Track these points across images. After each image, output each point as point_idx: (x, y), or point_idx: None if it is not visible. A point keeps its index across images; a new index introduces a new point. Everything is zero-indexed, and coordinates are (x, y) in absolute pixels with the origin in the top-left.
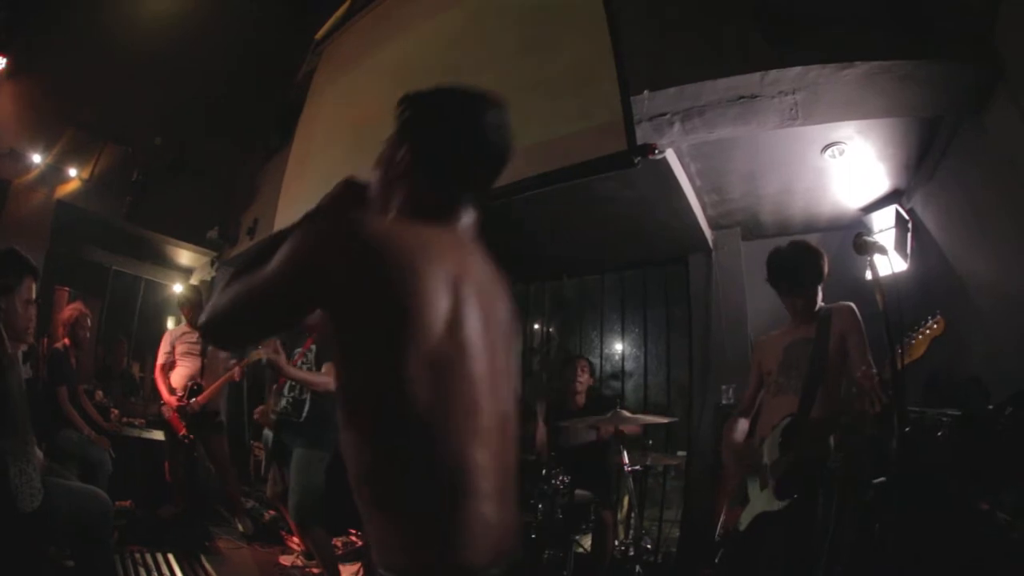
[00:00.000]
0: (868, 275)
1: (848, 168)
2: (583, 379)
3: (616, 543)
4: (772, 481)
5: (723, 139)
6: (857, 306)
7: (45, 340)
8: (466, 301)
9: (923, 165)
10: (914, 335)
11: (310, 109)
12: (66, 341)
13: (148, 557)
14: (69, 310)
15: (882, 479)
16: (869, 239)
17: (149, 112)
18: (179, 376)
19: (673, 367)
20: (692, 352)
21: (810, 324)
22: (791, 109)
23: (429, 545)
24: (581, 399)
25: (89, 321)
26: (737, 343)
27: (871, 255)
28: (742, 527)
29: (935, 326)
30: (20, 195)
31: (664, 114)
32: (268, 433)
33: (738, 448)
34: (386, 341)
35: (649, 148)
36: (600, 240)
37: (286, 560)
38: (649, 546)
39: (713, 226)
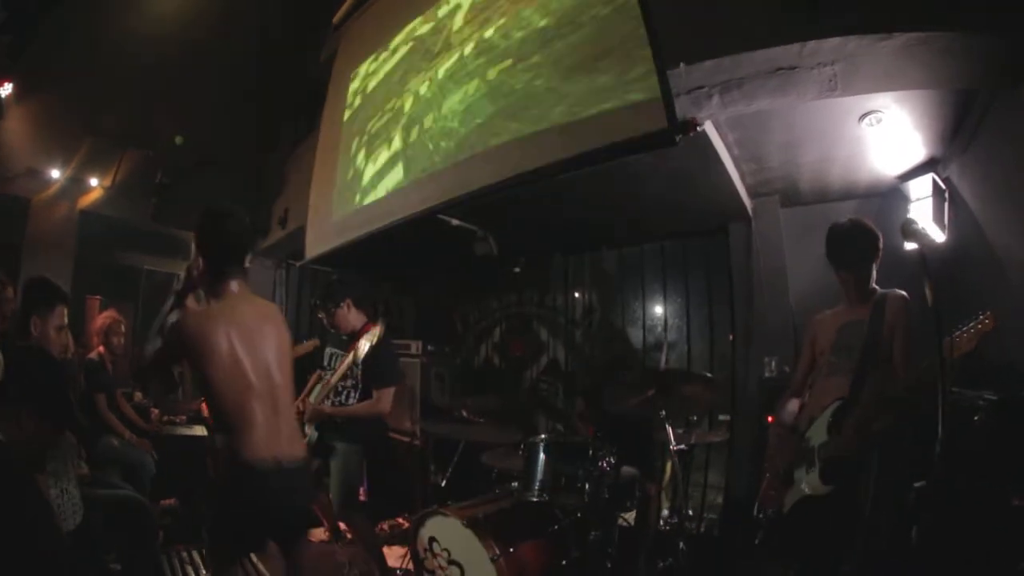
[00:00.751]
0: (910, 248)
1: (885, 137)
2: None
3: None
4: (819, 464)
5: (761, 110)
6: (896, 277)
7: (78, 351)
8: (235, 336)
9: (959, 136)
10: (963, 330)
11: (332, 95)
12: (100, 349)
13: (195, 554)
14: (101, 319)
15: (922, 483)
16: (919, 228)
17: (168, 114)
18: None
19: (716, 337)
20: (735, 322)
21: (864, 306)
22: (830, 80)
23: (235, 449)
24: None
25: (123, 327)
26: (779, 312)
27: (920, 244)
28: (785, 509)
29: (986, 322)
30: (41, 211)
31: (702, 87)
32: (312, 433)
33: (786, 429)
34: (203, 372)
35: (690, 125)
36: (639, 211)
37: (314, 535)
38: (691, 512)
39: (752, 194)
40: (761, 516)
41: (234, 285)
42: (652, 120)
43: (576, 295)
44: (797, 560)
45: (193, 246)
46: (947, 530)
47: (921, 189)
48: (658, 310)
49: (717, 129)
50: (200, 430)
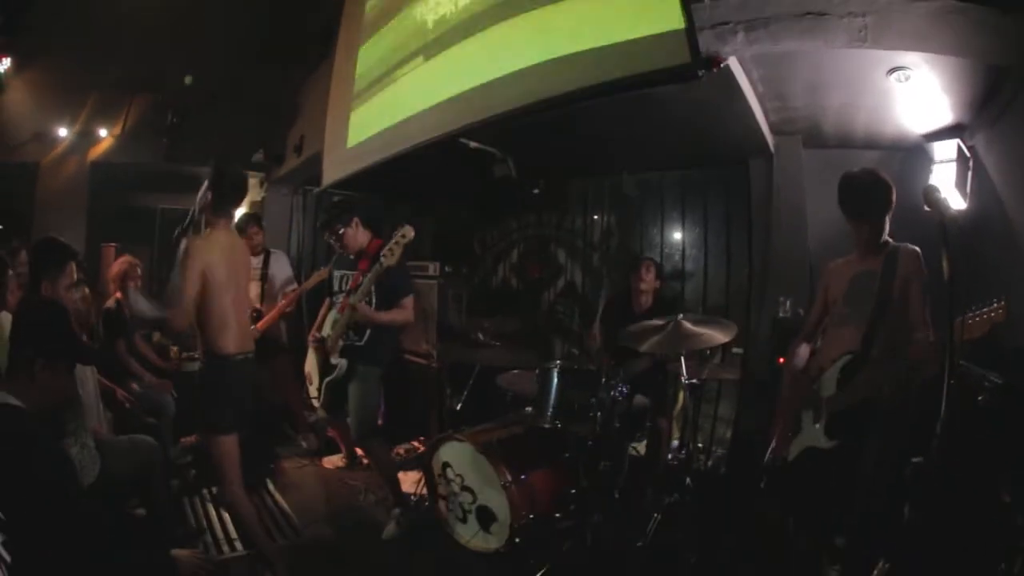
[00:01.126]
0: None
1: (912, 94)
2: (648, 279)
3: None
4: (825, 417)
5: (788, 51)
6: (912, 235)
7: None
8: (228, 257)
9: (988, 108)
10: (976, 314)
11: (348, 17)
12: (117, 295)
13: (216, 491)
14: (117, 265)
15: (919, 459)
16: (941, 196)
17: (175, 55)
18: None
19: (733, 269)
20: (752, 257)
21: (877, 257)
22: (860, 31)
23: (220, 344)
24: (647, 300)
25: (139, 270)
26: (796, 253)
27: (940, 214)
28: (790, 457)
29: (999, 311)
30: (51, 171)
31: (727, 23)
32: (342, 361)
33: (797, 375)
34: (208, 283)
35: (714, 61)
36: (660, 139)
37: (330, 463)
38: (700, 444)
39: (775, 131)
40: (768, 461)
41: (226, 222)
42: (675, 53)
43: (595, 218)
44: (797, 509)
45: (207, 186)
46: (936, 513)
47: (945, 152)
48: (676, 238)
49: (742, 65)
50: None
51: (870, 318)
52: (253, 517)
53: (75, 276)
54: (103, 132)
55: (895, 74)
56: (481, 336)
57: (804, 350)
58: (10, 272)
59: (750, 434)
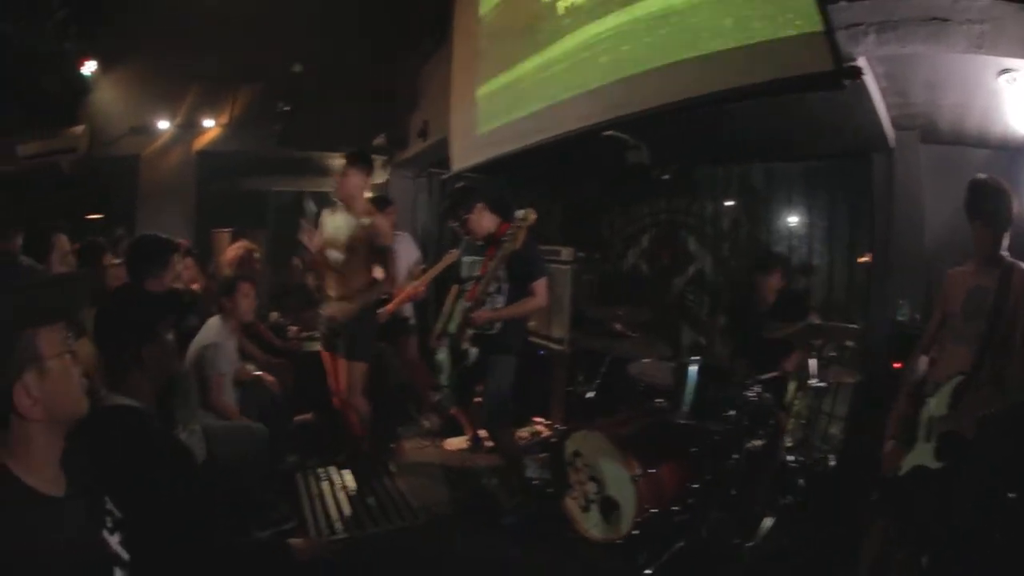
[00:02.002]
0: None
1: (1021, 96)
2: (774, 283)
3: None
4: (935, 438)
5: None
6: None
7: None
8: None
9: None
10: None
11: (461, 5)
12: None
13: (330, 471)
14: (233, 251)
15: (1014, 495)
16: None
17: (280, 44)
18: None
19: (855, 266)
20: (874, 255)
21: (993, 271)
22: (978, 37)
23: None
24: (771, 298)
25: (256, 254)
26: (913, 252)
27: None
28: (901, 471)
29: None
30: (153, 162)
31: (860, 24)
32: (473, 350)
33: (913, 389)
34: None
35: (856, 71)
36: (787, 129)
37: (452, 445)
38: (816, 446)
39: (895, 126)
40: (880, 472)
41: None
42: (816, 56)
43: (725, 206)
44: (902, 524)
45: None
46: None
47: None
48: (802, 231)
49: (867, 62)
50: None
51: (981, 338)
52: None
53: (178, 268)
54: (208, 122)
55: (1004, 76)
56: (618, 326)
57: (922, 363)
58: (115, 259)
59: (862, 439)
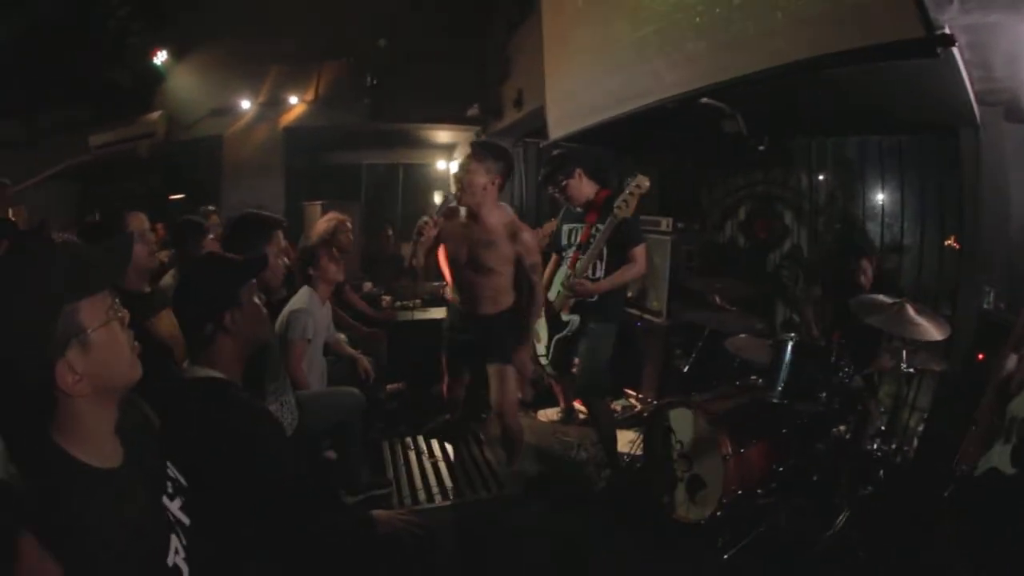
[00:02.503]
0: None
1: None
2: (867, 273)
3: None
4: (1014, 441)
5: (992, 21)
6: None
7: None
8: None
9: None
10: None
11: None
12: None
13: (418, 440)
14: (323, 223)
15: None
16: None
17: (363, 19)
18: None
19: (944, 248)
20: (962, 238)
21: None
22: None
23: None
24: (867, 281)
25: (349, 224)
26: (999, 238)
27: None
28: (977, 471)
29: None
30: (237, 141)
31: None
32: (574, 318)
33: (1000, 385)
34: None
35: (950, 39)
36: (876, 100)
37: (545, 416)
38: (895, 447)
39: (979, 101)
40: (956, 469)
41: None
42: (906, 23)
43: (820, 179)
44: (974, 526)
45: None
46: None
47: None
48: (895, 208)
49: (951, 30)
50: (436, 312)
51: None
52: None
53: (281, 243)
54: (293, 99)
55: None
56: (717, 299)
57: (1011, 361)
58: (210, 236)
59: (941, 432)
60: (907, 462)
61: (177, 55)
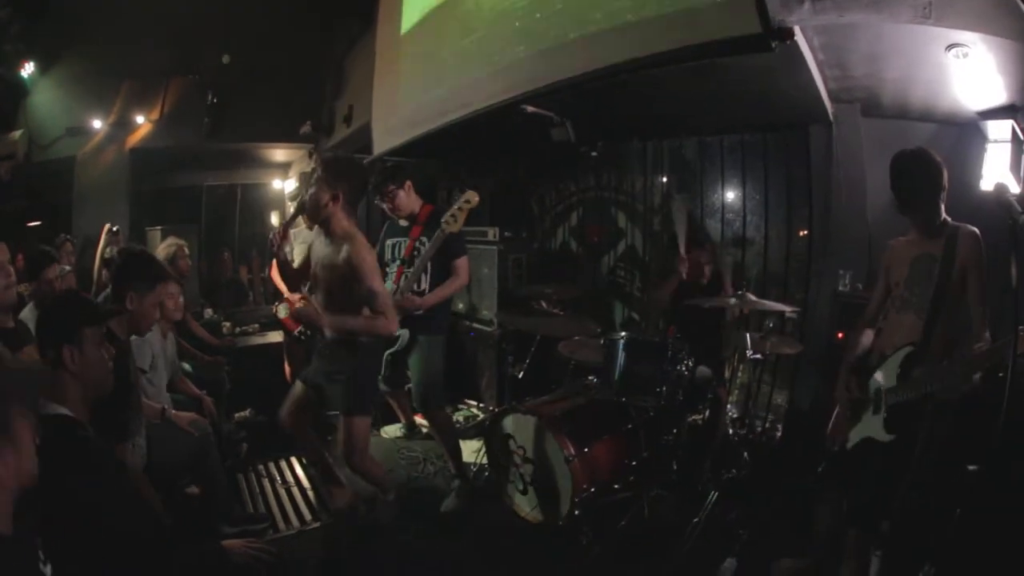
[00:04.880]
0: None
1: (969, 71)
2: (703, 262)
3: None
4: (884, 411)
5: (851, 22)
6: (966, 211)
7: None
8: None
9: None
10: None
11: None
12: None
13: (271, 466)
14: (163, 249)
15: (975, 467)
16: (1013, 200)
17: (209, 36)
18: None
19: (793, 238)
20: (812, 226)
21: (937, 239)
22: (925, 8)
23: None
24: (705, 275)
25: (187, 249)
26: (855, 224)
27: (1012, 216)
28: (849, 444)
29: None
30: (88, 163)
31: None
32: (404, 332)
33: (858, 360)
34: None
35: (787, 32)
36: (719, 101)
37: (387, 433)
38: (759, 420)
39: (833, 99)
40: (828, 443)
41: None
42: (744, 21)
43: (655, 181)
44: (854, 496)
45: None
46: (986, 520)
47: (999, 132)
48: (736, 204)
49: (803, 32)
50: (274, 336)
51: (930, 306)
52: (380, 470)
53: (162, 298)
54: (140, 119)
55: (953, 51)
56: (544, 304)
57: (867, 336)
58: (64, 266)
59: (805, 409)
60: (773, 442)
61: (43, 68)
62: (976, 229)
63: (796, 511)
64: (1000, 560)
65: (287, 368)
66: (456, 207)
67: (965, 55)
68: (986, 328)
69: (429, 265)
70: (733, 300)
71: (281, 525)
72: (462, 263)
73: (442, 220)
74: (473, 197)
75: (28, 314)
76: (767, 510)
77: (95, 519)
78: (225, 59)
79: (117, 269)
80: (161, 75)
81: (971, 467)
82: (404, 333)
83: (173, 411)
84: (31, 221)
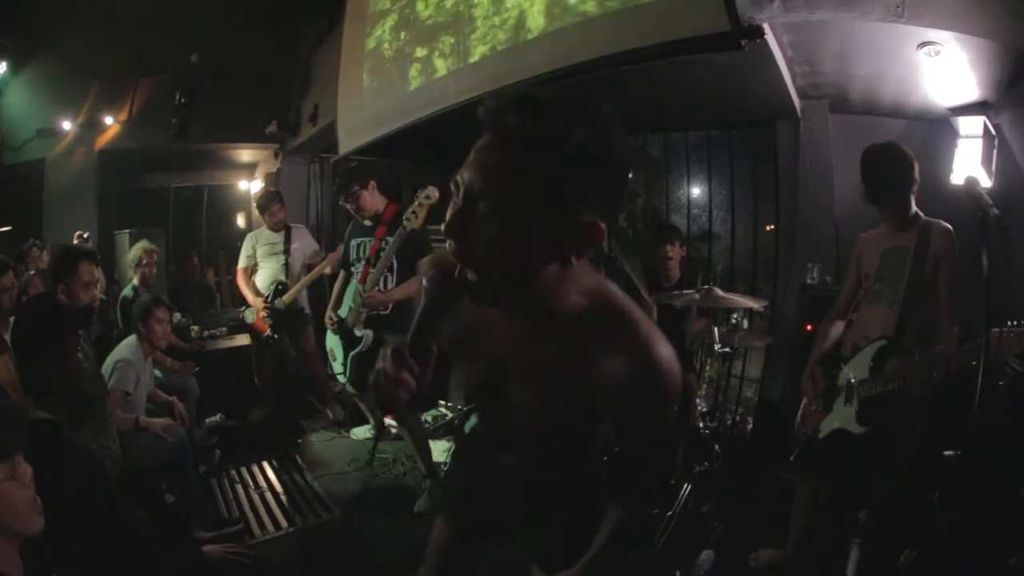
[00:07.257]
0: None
1: (941, 69)
2: (674, 253)
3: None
4: (856, 403)
5: (821, 19)
6: (938, 207)
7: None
8: None
9: (1014, 89)
10: (1013, 328)
11: None
12: (135, 282)
13: (244, 471)
14: (132, 252)
15: (951, 452)
16: (983, 192)
17: (177, 36)
18: (262, 278)
19: (760, 233)
20: (779, 221)
21: (909, 232)
22: (897, 7)
23: None
24: (675, 270)
25: (154, 255)
26: (822, 219)
27: (982, 208)
28: (820, 435)
29: None
30: (57, 165)
31: None
32: (368, 332)
33: (829, 352)
34: None
35: (757, 31)
36: (685, 98)
37: (357, 435)
38: (729, 412)
39: (801, 95)
40: (798, 434)
41: None
42: (713, 18)
43: None
44: (828, 485)
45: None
46: (965, 506)
47: (971, 128)
48: (703, 200)
49: (772, 29)
50: (242, 339)
51: (903, 299)
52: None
53: (88, 275)
54: (109, 120)
55: (925, 48)
56: None
57: (837, 328)
58: (30, 272)
59: (775, 401)
60: (743, 434)
61: (14, 69)
62: (949, 225)
63: (771, 502)
64: (979, 543)
65: (255, 370)
66: (416, 204)
67: (937, 53)
68: (955, 322)
69: (395, 264)
70: (698, 296)
71: (256, 531)
72: (427, 262)
73: (403, 217)
74: (433, 193)
75: None
76: (741, 502)
77: (86, 519)
78: (194, 58)
79: (49, 273)
80: (130, 75)
81: (947, 452)
82: (367, 334)
83: (145, 418)
84: (1, 227)
